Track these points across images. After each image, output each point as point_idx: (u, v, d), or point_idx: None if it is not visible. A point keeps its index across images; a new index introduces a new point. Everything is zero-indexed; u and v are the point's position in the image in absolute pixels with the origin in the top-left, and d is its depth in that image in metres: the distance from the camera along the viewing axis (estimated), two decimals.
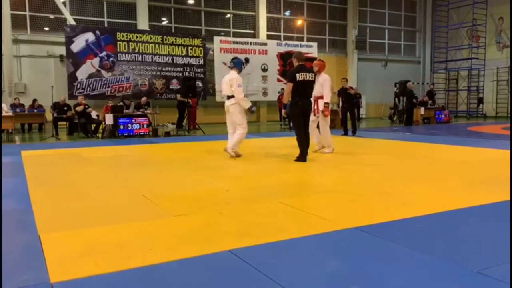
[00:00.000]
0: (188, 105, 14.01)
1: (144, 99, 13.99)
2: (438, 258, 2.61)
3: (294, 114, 6.91)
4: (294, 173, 6.01)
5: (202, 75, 17.77)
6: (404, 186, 4.82)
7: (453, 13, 23.62)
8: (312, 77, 6.78)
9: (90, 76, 15.81)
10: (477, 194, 4.33)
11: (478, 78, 23.09)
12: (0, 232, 3.12)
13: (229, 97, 7.15)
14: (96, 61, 15.91)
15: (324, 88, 7.48)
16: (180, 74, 17.24)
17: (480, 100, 22.74)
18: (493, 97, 22.59)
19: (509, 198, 4.01)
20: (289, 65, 19.53)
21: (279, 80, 19.25)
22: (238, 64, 7.38)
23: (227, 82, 7.11)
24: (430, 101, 17.89)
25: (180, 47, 17.41)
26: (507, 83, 21.97)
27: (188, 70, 17.49)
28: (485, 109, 22.61)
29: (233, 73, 7.18)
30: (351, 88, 11.88)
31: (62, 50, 15.75)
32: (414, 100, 15.75)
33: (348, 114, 11.87)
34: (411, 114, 15.83)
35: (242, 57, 18.46)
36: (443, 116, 17.39)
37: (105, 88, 16.11)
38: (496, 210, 3.73)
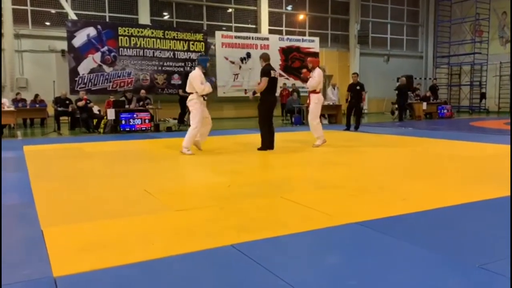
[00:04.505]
0: None
1: (142, 91, 13.94)
2: (439, 253, 2.61)
3: (263, 108, 7.38)
4: (295, 168, 6.00)
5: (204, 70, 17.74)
6: (405, 181, 4.82)
7: (456, 7, 23.49)
8: (277, 75, 7.46)
9: (91, 71, 15.79)
10: (479, 189, 4.33)
11: (480, 73, 22.99)
12: (0, 227, 3.13)
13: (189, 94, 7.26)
14: (97, 56, 15.88)
15: (312, 78, 7.95)
16: (182, 69, 17.20)
17: (483, 95, 22.64)
18: (495, 92, 22.49)
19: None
20: (290, 60, 19.54)
21: (280, 75, 19.20)
22: (203, 61, 7.51)
23: (188, 79, 7.25)
24: (432, 96, 17.82)
25: (181, 42, 17.36)
26: (509, 78, 21.88)
27: (189, 65, 17.44)
28: (487, 104, 22.53)
29: (195, 71, 7.28)
30: (362, 89, 11.73)
31: (63, 45, 15.72)
32: (410, 93, 15.71)
33: (353, 110, 11.84)
34: (402, 109, 15.83)
35: (243, 52, 18.44)
36: (445, 111, 17.33)
37: (107, 83, 16.10)
38: (498, 205, 3.73)
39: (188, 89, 7.25)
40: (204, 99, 7.25)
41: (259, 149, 7.35)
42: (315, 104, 7.97)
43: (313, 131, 8.04)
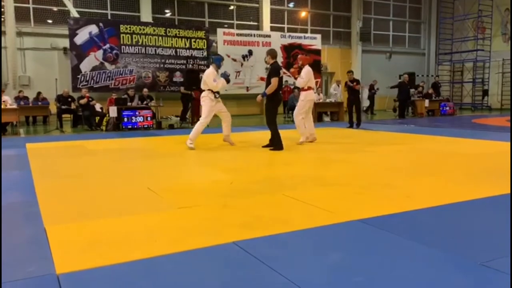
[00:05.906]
0: (191, 97, 14.00)
1: (145, 90, 13.94)
2: (441, 250, 2.61)
3: (272, 107, 7.40)
4: (297, 166, 6.01)
5: (205, 68, 17.70)
6: (408, 179, 4.82)
7: (458, 4, 23.40)
8: (281, 73, 7.44)
9: (93, 68, 15.81)
10: (481, 187, 4.32)
11: (483, 70, 22.91)
12: (0, 226, 3.15)
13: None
14: (99, 53, 15.90)
15: (300, 78, 8.07)
16: (184, 67, 17.21)
17: (485, 92, 22.57)
18: (498, 89, 22.43)
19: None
20: (292, 58, 19.49)
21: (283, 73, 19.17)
22: (216, 61, 7.71)
23: (202, 78, 7.58)
24: (434, 93, 17.77)
25: (183, 39, 17.36)
26: (510, 75, 21.79)
27: (191, 63, 17.46)
28: (490, 101, 22.45)
29: (209, 69, 7.60)
30: (357, 84, 11.76)
31: (65, 43, 15.74)
32: (413, 90, 15.72)
33: (354, 107, 11.86)
34: (403, 106, 15.82)
35: (245, 49, 18.42)
36: (447, 108, 17.28)
37: (109, 80, 16.12)
38: (500, 202, 3.72)
39: (202, 87, 7.60)
40: (215, 96, 7.54)
41: (270, 149, 7.24)
42: (301, 101, 8.13)
43: (296, 127, 8.16)
